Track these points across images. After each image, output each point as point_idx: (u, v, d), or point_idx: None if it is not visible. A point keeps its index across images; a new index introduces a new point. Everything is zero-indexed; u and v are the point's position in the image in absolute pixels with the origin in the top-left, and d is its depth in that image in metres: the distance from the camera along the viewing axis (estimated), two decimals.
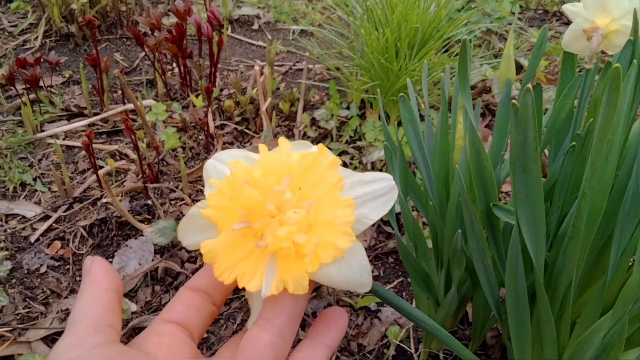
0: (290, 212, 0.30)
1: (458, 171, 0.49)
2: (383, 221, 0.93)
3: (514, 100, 0.45)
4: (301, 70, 1.28)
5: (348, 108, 1.12)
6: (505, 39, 1.45)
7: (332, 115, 1.06)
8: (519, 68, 1.27)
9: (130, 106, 1.12)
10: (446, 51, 1.19)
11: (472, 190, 0.59)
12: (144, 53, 1.32)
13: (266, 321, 0.32)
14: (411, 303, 0.83)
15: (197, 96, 1.06)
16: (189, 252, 0.87)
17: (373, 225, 0.92)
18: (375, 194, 0.32)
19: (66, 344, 0.29)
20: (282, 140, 0.32)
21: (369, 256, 0.89)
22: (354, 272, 0.31)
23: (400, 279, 0.86)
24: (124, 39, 1.40)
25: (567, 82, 0.64)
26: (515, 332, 0.59)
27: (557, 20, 1.60)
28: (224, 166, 0.32)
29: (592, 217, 0.51)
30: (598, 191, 0.50)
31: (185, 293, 0.35)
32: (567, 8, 0.62)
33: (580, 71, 0.62)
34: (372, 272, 0.87)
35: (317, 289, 0.83)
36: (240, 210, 0.30)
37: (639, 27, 0.52)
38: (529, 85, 0.44)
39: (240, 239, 0.30)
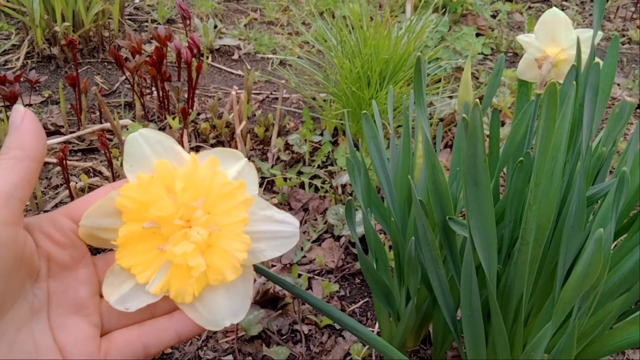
0: (195, 230, 0.32)
1: (410, 181, 0.52)
2: (351, 243, 0.94)
3: (463, 115, 0.48)
4: (278, 99, 1.32)
5: (322, 134, 1.15)
6: (477, 77, 1.51)
7: (305, 140, 1.09)
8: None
9: (107, 125, 1.14)
10: None
11: (431, 205, 0.61)
12: (124, 77, 1.35)
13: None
14: (375, 322, 0.84)
15: (173, 118, 1.09)
16: None
17: (341, 246, 0.94)
18: (279, 234, 0.35)
19: None
20: (212, 158, 0.34)
21: (335, 276, 0.90)
22: (239, 293, 0.34)
23: (365, 300, 0.87)
24: (105, 63, 1.42)
25: (522, 108, 0.67)
26: (471, 347, 0.61)
27: None
28: (151, 151, 0.33)
29: (541, 230, 0.54)
30: (545, 205, 0.53)
31: (99, 193, 0.34)
32: (520, 38, 0.67)
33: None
34: (339, 292, 0.88)
35: (283, 307, 0.84)
36: (153, 212, 0.32)
37: (582, 55, 0.56)
38: (477, 101, 0.47)
39: (148, 234, 0.33)
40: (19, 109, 0.32)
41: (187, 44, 1.14)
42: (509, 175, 0.70)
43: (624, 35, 2.05)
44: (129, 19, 1.64)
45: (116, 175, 0.97)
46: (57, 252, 0.33)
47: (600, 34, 0.61)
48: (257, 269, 0.41)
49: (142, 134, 0.34)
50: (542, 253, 0.56)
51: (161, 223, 0.33)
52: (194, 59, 1.14)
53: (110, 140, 1.12)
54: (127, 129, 1.07)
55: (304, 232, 0.97)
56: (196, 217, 0.33)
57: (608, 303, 0.59)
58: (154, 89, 1.26)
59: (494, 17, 1.98)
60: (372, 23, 1.16)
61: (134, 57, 1.14)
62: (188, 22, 1.29)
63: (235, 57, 1.54)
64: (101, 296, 0.35)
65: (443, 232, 0.60)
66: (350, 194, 1.03)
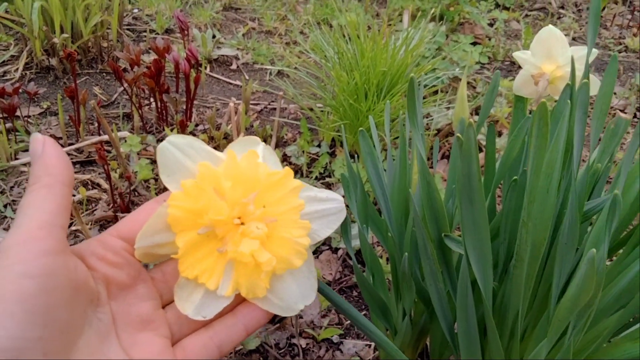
0: (253, 225, 0.32)
1: (411, 198, 0.52)
2: (348, 255, 0.95)
3: (457, 134, 0.48)
4: (276, 110, 1.32)
5: (319, 146, 1.15)
6: (474, 87, 1.51)
7: (303, 151, 1.10)
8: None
9: (105, 137, 1.14)
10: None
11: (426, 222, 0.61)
12: (122, 88, 1.35)
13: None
14: None
15: (172, 130, 1.09)
16: None
17: (338, 259, 0.94)
18: (327, 212, 0.35)
19: (15, 243, 0.28)
20: (251, 151, 0.34)
21: (333, 289, 0.90)
22: (305, 276, 0.34)
23: (363, 312, 0.88)
24: (104, 74, 1.43)
25: (518, 124, 0.68)
26: None
27: None
28: (184, 157, 0.33)
29: (536, 247, 0.54)
30: (540, 222, 0.53)
31: (145, 210, 0.34)
32: (517, 55, 0.67)
33: (530, 113, 0.67)
34: None
35: (280, 320, 0.84)
36: (206, 216, 0.32)
37: (576, 73, 0.56)
38: (471, 120, 0.47)
39: (203, 239, 0.33)
40: (37, 137, 0.31)
41: (185, 55, 1.14)
42: (504, 193, 0.71)
43: (620, 43, 2.06)
44: (128, 29, 1.65)
45: (114, 188, 0.98)
46: (115, 273, 0.33)
47: (595, 51, 0.61)
48: None
49: (171, 142, 0.34)
50: (538, 270, 0.56)
51: (216, 225, 0.33)
52: (192, 70, 1.15)
53: (109, 152, 1.13)
54: (125, 141, 1.08)
55: None
56: (250, 212, 0.33)
57: (604, 319, 0.59)
58: (152, 100, 1.26)
59: (491, 25, 1.99)
60: (370, 32, 1.17)
61: (133, 69, 1.14)
62: (186, 33, 1.29)
63: (234, 67, 1.55)
64: (163, 307, 0.35)
65: (439, 248, 0.60)
66: (347, 207, 1.03)
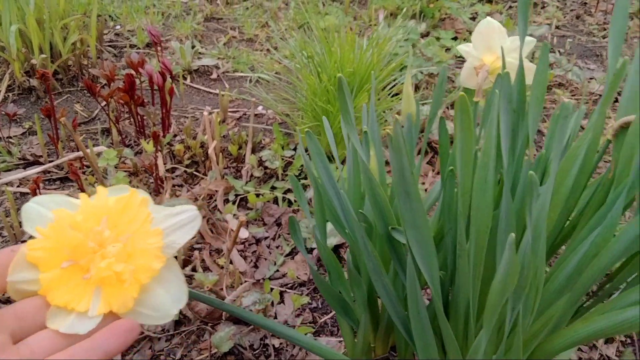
0: (110, 247, 0.35)
1: (344, 196, 0.53)
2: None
3: (387, 130, 0.50)
4: (255, 116, 1.34)
5: (295, 149, 1.17)
6: (452, 81, 1.52)
7: (279, 155, 1.11)
8: None
9: (82, 153, 1.16)
10: (394, 94, 1.25)
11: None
12: (102, 104, 1.38)
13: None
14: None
15: (148, 142, 1.11)
16: None
17: (313, 259, 0.96)
18: (182, 222, 0.38)
19: None
20: (99, 188, 0.37)
21: (307, 289, 0.92)
22: (173, 282, 0.37)
23: None
24: (84, 91, 1.45)
25: None
26: (423, 355, 0.62)
27: None
28: (46, 210, 0.37)
29: (480, 235, 0.55)
30: (482, 211, 0.54)
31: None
32: (460, 48, 0.68)
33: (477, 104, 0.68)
34: (310, 303, 0.89)
35: None
36: (66, 250, 0.35)
37: (517, 62, 0.57)
38: (397, 116, 0.49)
39: (69, 274, 0.35)
40: None
41: (159, 68, 1.16)
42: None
43: (604, 29, 2.06)
44: (110, 46, 1.67)
45: None
46: None
47: (530, 39, 0.62)
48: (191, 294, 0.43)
49: (36, 201, 0.37)
50: (485, 258, 0.57)
51: (77, 256, 0.35)
52: (168, 82, 1.16)
53: (88, 166, 1.15)
54: (103, 155, 1.10)
55: (277, 247, 0.98)
56: (105, 237, 0.35)
57: (554, 304, 0.60)
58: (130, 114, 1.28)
59: (473, 19, 2.00)
60: (339, 35, 1.18)
61: (109, 84, 1.17)
62: (160, 46, 1.31)
63: (214, 76, 1.57)
64: (15, 343, 0.35)
65: (389, 243, 0.61)
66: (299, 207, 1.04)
